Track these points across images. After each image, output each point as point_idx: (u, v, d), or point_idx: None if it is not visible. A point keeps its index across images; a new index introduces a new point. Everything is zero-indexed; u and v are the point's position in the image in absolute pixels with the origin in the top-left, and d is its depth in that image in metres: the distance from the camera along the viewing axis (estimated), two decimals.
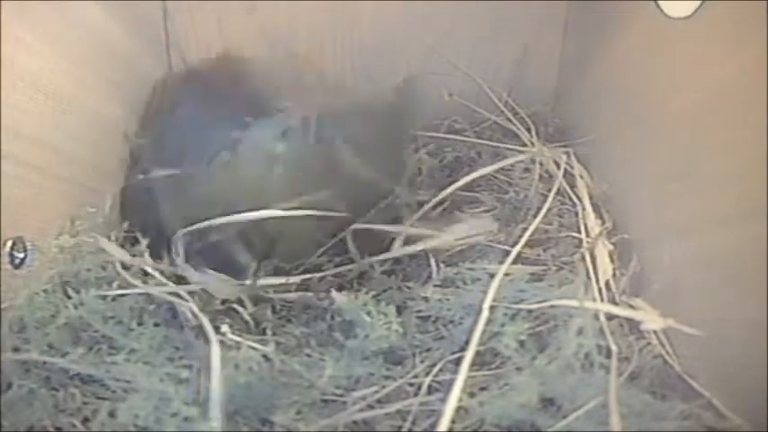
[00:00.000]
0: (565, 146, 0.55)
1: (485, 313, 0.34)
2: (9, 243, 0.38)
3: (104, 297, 0.39)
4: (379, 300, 0.40)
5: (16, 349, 0.35)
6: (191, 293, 0.40)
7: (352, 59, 0.62)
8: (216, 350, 0.33)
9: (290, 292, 0.43)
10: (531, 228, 0.45)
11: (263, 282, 0.43)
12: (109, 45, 0.51)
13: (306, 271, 0.44)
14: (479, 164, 0.56)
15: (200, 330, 0.39)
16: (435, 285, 0.43)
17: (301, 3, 0.59)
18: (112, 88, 0.51)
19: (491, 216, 0.49)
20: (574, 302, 0.36)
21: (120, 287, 0.40)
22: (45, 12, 0.42)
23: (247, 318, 0.41)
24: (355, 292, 0.41)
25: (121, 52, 0.53)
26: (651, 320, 0.35)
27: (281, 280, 0.43)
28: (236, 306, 0.42)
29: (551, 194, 0.50)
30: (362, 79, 0.62)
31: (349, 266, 0.44)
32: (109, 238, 0.44)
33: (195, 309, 0.38)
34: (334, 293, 0.40)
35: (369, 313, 0.38)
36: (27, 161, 0.40)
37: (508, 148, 0.56)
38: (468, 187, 0.51)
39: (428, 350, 0.39)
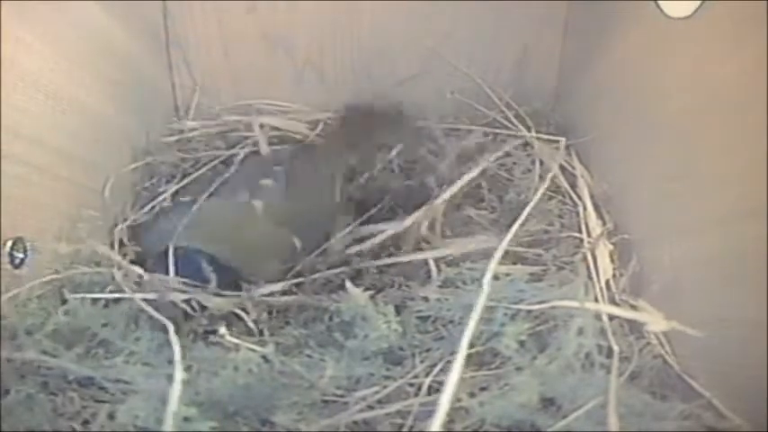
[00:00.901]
0: (565, 145, 0.55)
1: (486, 288, 0.33)
2: (9, 243, 0.38)
3: (98, 301, 0.39)
4: (378, 299, 0.40)
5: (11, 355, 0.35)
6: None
7: (352, 59, 0.62)
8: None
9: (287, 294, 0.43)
10: (521, 218, 0.44)
11: (257, 292, 0.43)
12: (109, 45, 0.51)
13: (300, 274, 0.45)
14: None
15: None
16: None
17: (301, 3, 0.59)
18: (112, 88, 0.51)
19: (493, 234, 0.48)
20: (576, 304, 0.36)
21: (113, 292, 0.40)
22: (45, 12, 0.42)
23: (247, 320, 0.41)
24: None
25: (121, 52, 0.53)
26: (655, 322, 0.35)
27: (276, 287, 0.43)
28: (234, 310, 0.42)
29: (543, 185, 0.50)
30: (362, 79, 0.62)
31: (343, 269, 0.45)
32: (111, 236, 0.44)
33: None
34: (348, 286, 0.40)
35: (368, 313, 0.38)
36: (27, 161, 0.40)
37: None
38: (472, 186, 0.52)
39: (428, 350, 0.39)
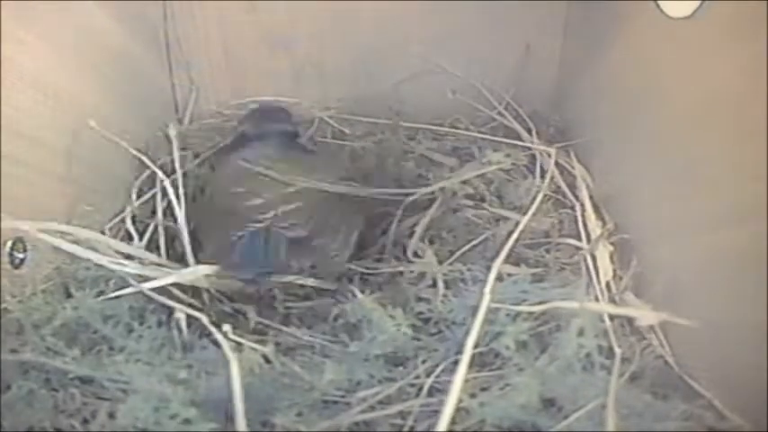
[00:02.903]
0: (565, 146, 0.55)
1: (486, 298, 0.34)
2: (9, 243, 0.38)
3: (102, 294, 0.39)
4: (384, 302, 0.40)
5: (14, 350, 0.35)
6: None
7: (353, 59, 0.62)
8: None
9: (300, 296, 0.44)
10: (523, 222, 0.45)
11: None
12: (109, 45, 0.51)
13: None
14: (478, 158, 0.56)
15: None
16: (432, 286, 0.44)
17: (301, 3, 0.59)
18: (112, 88, 0.50)
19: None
20: (572, 304, 0.36)
21: (117, 285, 0.40)
22: (45, 12, 0.42)
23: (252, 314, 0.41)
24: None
25: (121, 52, 0.53)
26: (645, 316, 0.35)
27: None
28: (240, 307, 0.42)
29: (542, 189, 0.50)
30: (362, 79, 0.62)
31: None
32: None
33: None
34: (357, 292, 0.40)
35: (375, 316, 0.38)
36: (27, 161, 0.40)
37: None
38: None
39: (430, 351, 0.39)
